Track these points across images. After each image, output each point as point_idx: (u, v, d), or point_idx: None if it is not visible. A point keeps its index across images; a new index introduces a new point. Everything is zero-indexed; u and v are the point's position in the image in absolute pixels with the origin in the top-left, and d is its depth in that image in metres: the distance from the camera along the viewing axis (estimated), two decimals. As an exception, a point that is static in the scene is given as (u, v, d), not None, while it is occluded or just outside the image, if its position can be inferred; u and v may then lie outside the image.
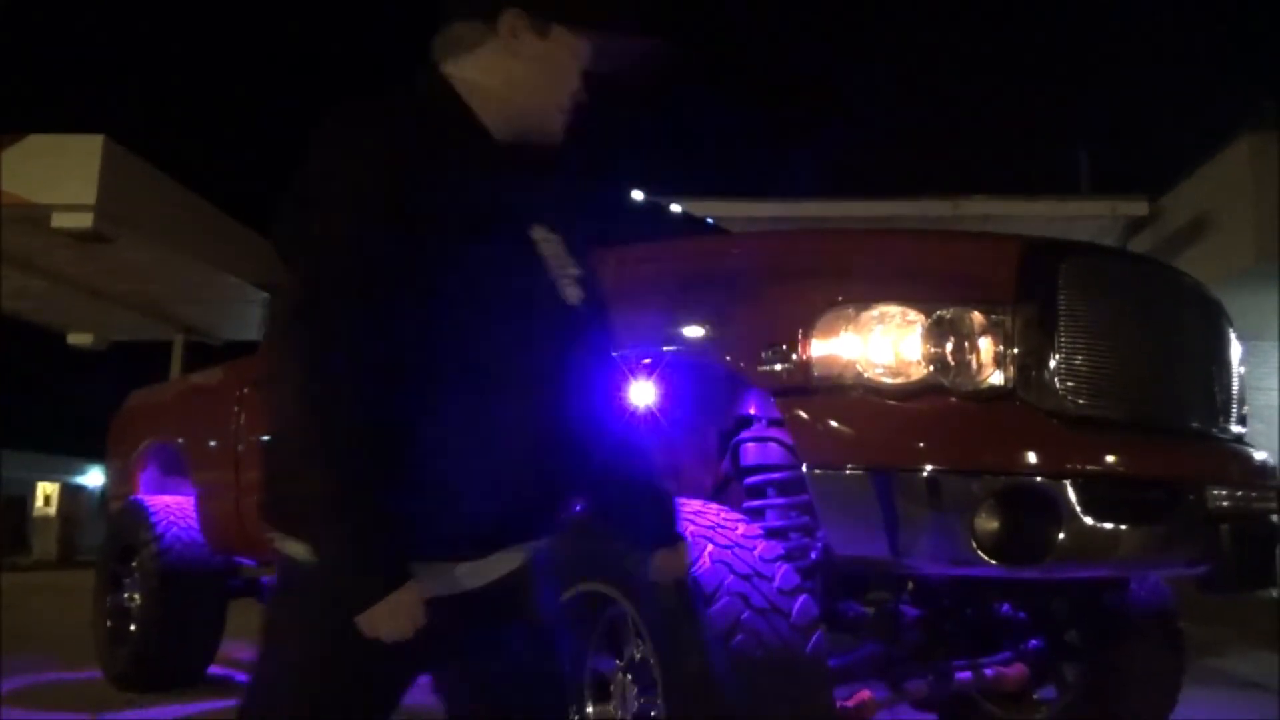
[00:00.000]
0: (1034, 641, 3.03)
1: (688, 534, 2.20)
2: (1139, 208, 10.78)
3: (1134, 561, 2.19)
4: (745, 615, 2.09)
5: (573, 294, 1.45)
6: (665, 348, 2.53)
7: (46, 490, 17.06)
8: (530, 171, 1.50)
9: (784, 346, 2.23)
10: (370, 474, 1.27)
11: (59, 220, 11.16)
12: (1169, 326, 2.47)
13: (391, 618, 1.28)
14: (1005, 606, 3.00)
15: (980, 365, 2.15)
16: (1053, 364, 2.17)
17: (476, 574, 1.42)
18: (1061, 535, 2.02)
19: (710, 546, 2.18)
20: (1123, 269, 2.57)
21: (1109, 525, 2.08)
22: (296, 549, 1.39)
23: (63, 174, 11.01)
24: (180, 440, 4.88)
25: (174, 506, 4.79)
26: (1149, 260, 3.04)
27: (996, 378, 2.15)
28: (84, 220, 11.08)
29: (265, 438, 1.54)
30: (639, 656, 2.30)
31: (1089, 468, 2.11)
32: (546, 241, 1.43)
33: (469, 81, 1.47)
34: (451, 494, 1.35)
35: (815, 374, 2.18)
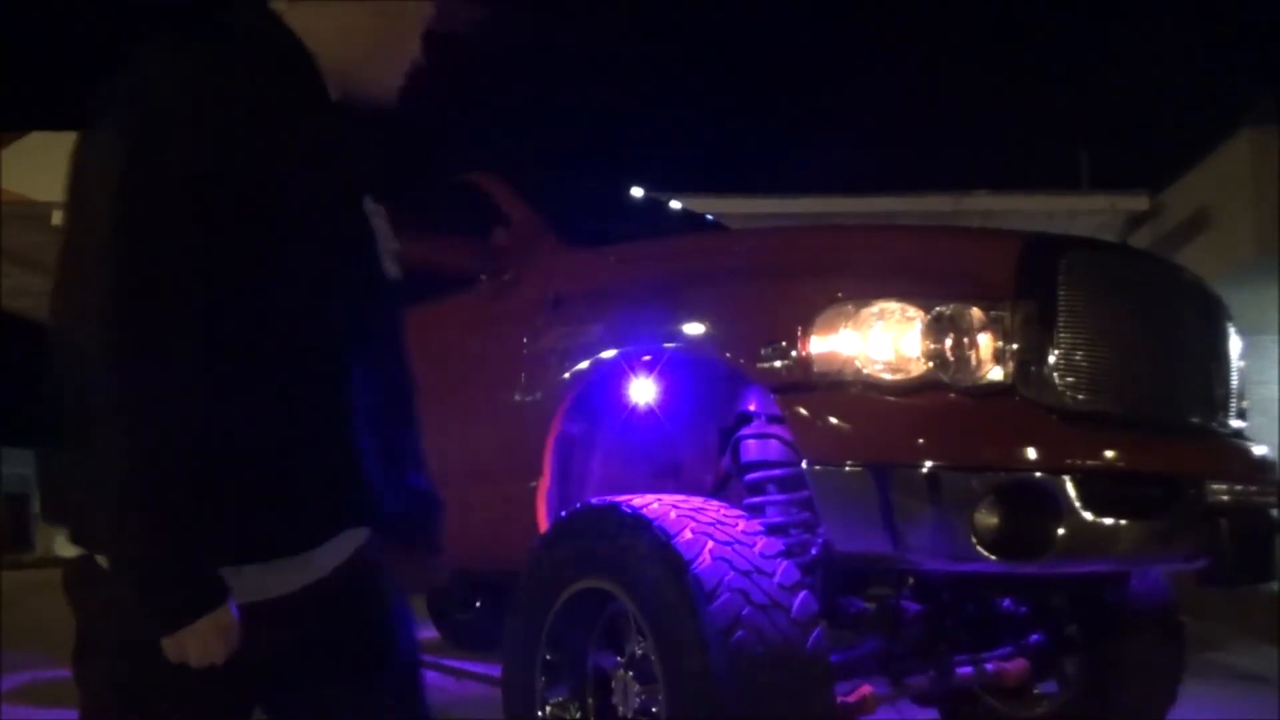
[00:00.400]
0: (1035, 636, 3.04)
1: (689, 530, 2.21)
2: (1139, 203, 10.78)
3: (1134, 556, 2.20)
4: (746, 611, 2.09)
5: (393, 270, 1.38)
6: (665, 345, 2.53)
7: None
8: (361, 137, 1.40)
9: (784, 343, 2.23)
10: (177, 480, 1.13)
11: (60, 217, 11.12)
12: (1168, 321, 2.47)
13: (200, 639, 1.13)
14: (1006, 601, 3.01)
15: (980, 361, 2.15)
16: (1052, 359, 2.18)
17: (297, 569, 1.27)
18: (1061, 530, 2.03)
19: (710, 543, 2.18)
20: (1122, 264, 2.57)
21: (1108, 520, 2.08)
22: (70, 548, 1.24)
23: (63, 171, 10.99)
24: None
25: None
26: (1148, 255, 3.05)
27: (996, 373, 2.15)
28: (84, 218, 11.04)
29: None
30: (640, 653, 2.30)
31: (1088, 463, 2.12)
32: (375, 214, 1.36)
33: (305, 28, 1.31)
34: (271, 486, 1.23)
35: (815, 370, 2.19)
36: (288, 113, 1.27)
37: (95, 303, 1.15)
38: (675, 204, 4.51)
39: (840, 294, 2.20)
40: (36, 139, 11.42)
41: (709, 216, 4.42)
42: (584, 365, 2.71)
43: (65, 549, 1.26)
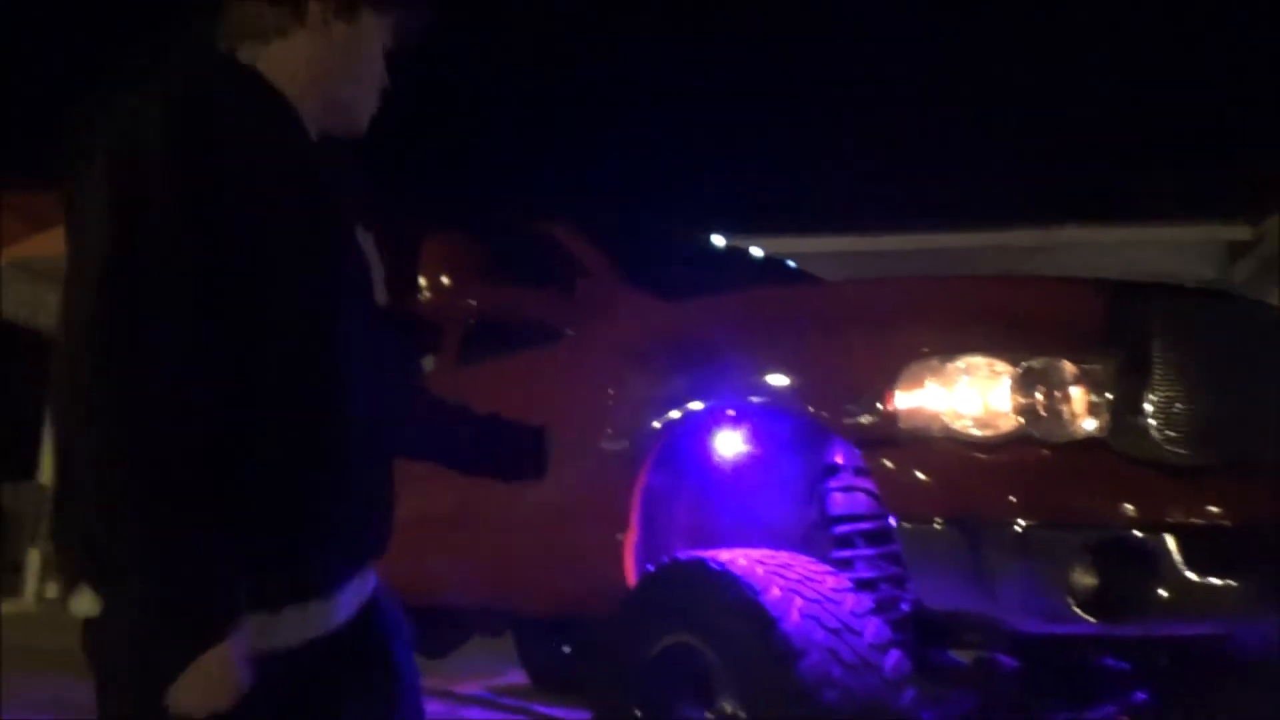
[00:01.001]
0: (1139, 694, 2.93)
1: (776, 587, 2.20)
2: (1240, 232, 10.41)
3: (1240, 615, 2.11)
4: (835, 671, 2.07)
5: (381, 295, 1.44)
6: (750, 398, 2.54)
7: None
8: (340, 168, 1.41)
9: (868, 398, 2.22)
10: (179, 521, 1.08)
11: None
12: (1268, 366, 2.39)
13: (202, 687, 1.07)
14: (1107, 657, 2.91)
15: (1072, 414, 2.11)
16: (1148, 411, 2.12)
17: (330, 612, 1.26)
18: (1162, 590, 1.96)
19: (798, 600, 2.18)
20: (1216, 310, 2.50)
21: (1213, 579, 2.01)
22: (88, 604, 1.19)
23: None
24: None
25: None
26: (1244, 299, 2.95)
27: (1089, 426, 2.10)
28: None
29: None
30: (729, 710, 2.29)
31: (1190, 518, 2.05)
32: (364, 239, 1.39)
33: (277, 72, 1.33)
34: (291, 524, 1.21)
35: (901, 425, 2.17)
36: (273, 150, 1.27)
37: (85, 324, 1.12)
38: (755, 250, 4.52)
39: (925, 349, 2.18)
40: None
41: (790, 263, 4.41)
42: (669, 418, 2.73)
43: (82, 605, 1.21)
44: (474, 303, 3.05)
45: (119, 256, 1.11)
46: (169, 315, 1.11)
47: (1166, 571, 1.98)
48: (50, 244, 11.92)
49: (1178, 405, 2.16)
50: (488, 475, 1.72)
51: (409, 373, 1.56)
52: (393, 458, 1.40)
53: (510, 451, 1.67)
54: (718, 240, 4.18)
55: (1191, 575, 1.99)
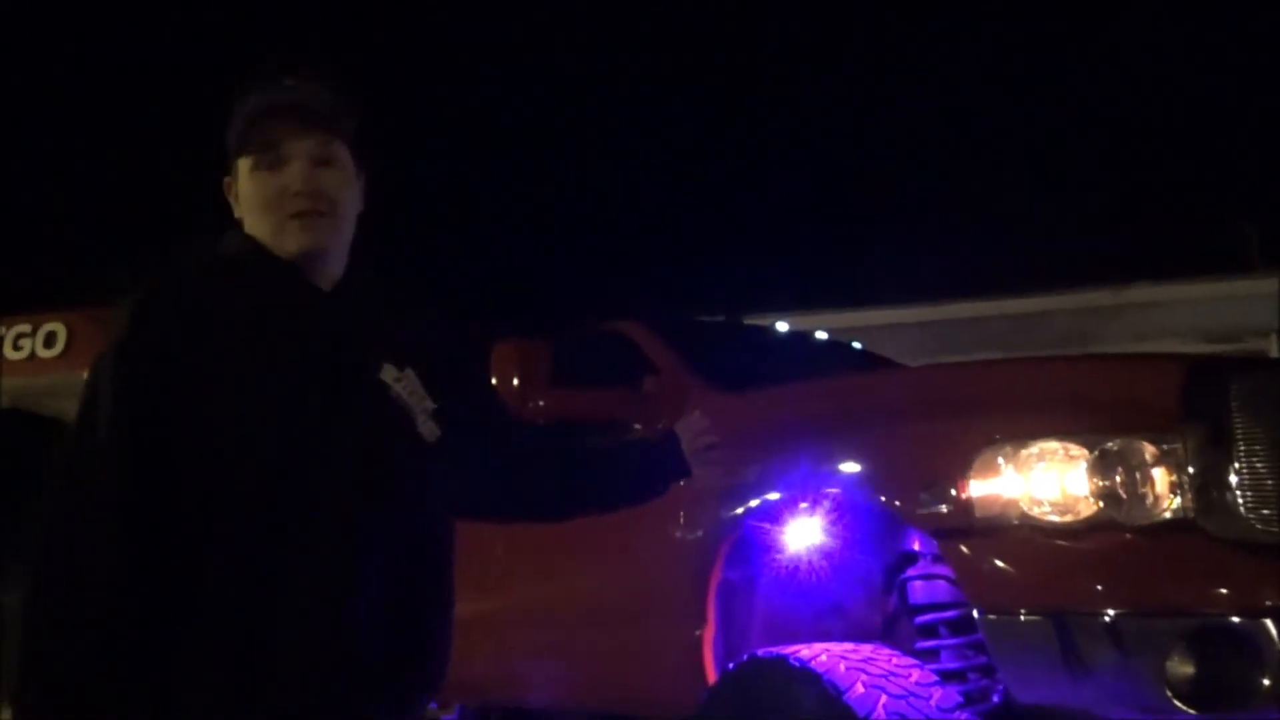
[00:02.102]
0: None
1: (860, 684, 2.16)
2: (1317, 281, 10.08)
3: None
4: (927, 771, 2.02)
5: (429, 431, 1.39)
6: (823, 488, 2.53)
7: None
8: (367, 312, 1.46)
9: (942, 486, 2.20)
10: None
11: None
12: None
13: None
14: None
15: (1155, 496, 2.06)
16: (1234, 489, 2.07)
17: None
18: (1266, 680, 1.89)
19: (884, 697, 2.13)
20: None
21: (1320, 663, 1.93)
22: None
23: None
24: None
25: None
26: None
27: (1173, 508, 2.05)
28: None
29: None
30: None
31: (1290, 601, 1.97)
32: (399, 381, 1.39)
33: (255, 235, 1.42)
34: (302, 675, 1.25)
35: (976, 514, 2.14)
36: (262, 321, 1.34)
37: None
38: (821, 334, 4.53)
39: (997, 435, 2.16)
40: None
41: (856, 344, 4.41)
42: (741, 511, 2.72)
43: None
44: (543, 403, 3.10)
45: (75, 436, 1.26)
46: (105, 495, 1.21)
47: (1268, 658, 1.90)
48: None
49: (1268, 482, 2.10)
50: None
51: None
52: (422, 604, 1.41)
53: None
54: (781, 326, 4.20)
55: (1296, 660, 1.91)
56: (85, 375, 1.33)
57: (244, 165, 1.41)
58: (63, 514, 1.24)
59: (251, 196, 1.41)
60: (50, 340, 11.48)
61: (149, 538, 1.21)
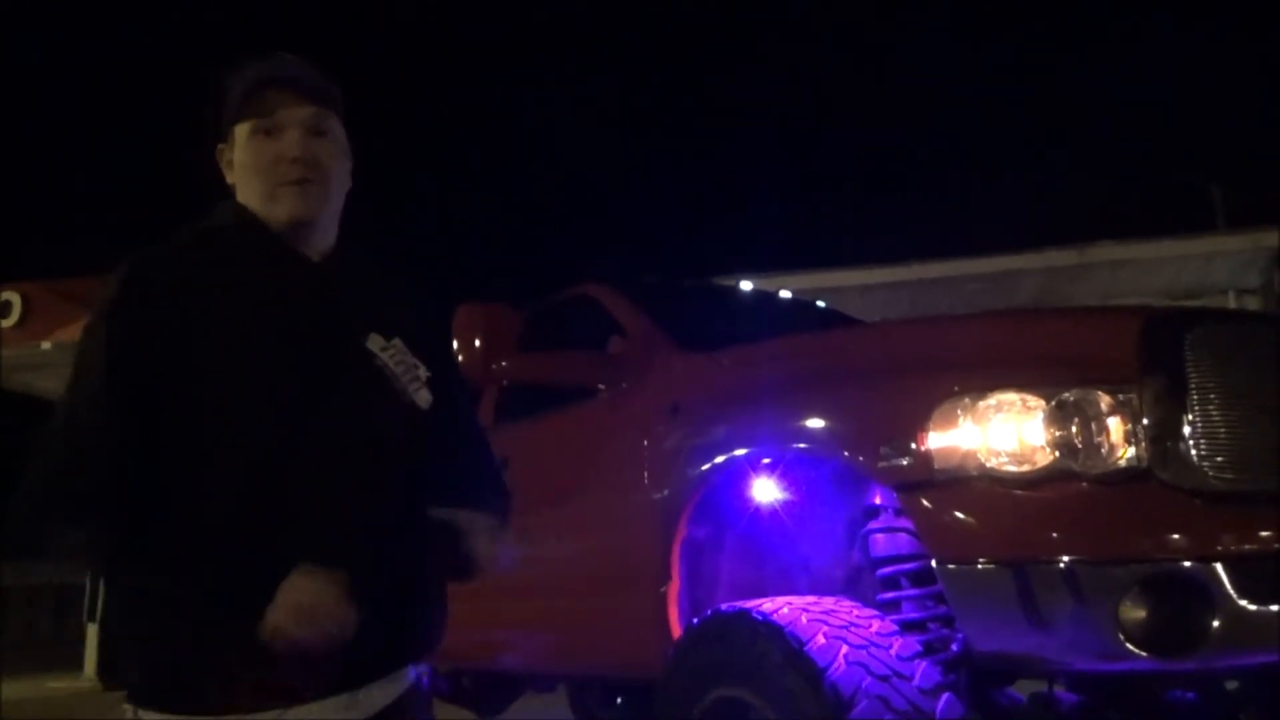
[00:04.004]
0: (1207, 724, 2.85)
1: (822, 635, 2.18)
2: (1281, 239, 10.21)
3: (1302, 644, 2.05)
4: (887, 719, 2.05)
5: (423, 397, 1.42)
6: (786, 445, 2.54)
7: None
8: (356, 282, 1.50)
9: (902, 440, 2.21)
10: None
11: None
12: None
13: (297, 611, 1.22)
14: (1171, 687, 2.84)
15: (1110, 446, 2.08)
16: (1189, 439, 2.09)
17: (354, 706, 1.34)
18: (1217, 623, 1.92)
19: (845, 648, 2.15)
20: (1255, 332, 2.46)
21: (1270, 608, 1.96)
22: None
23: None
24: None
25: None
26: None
27: (1129, 458, 2.07)
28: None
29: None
30: (782, 762, 2.26)
31: (1241, 547, 2.01)
32: (386, 350, 1.42)
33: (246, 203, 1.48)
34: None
35: (936, 466, 2.15)
36: (246, 288, 1.39)
37: None
38: (785, 292, 4.53)
39: (956, 387, 2.17)
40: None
41: (820, 303, 4.42)
42: (706, 469, 2.73)
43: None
44: (507, 366, 3.09)
45: (65, 395, 1.35)
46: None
47: (1220, 602, 1.93)
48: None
49: (1220, 431, 2.13)
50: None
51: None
52: (413, 567, 1.43)
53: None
54: (747, 286, 4.20)
55: (1246, 604, 1.94)
56: (44, 345, 1.42)
57: (241, 132, 1.46)
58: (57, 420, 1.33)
59: (247, 162, 1.46)
60: (4, 310, 11.30)
61: (131, 475, 1.28)
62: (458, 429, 1.53)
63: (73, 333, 12.22)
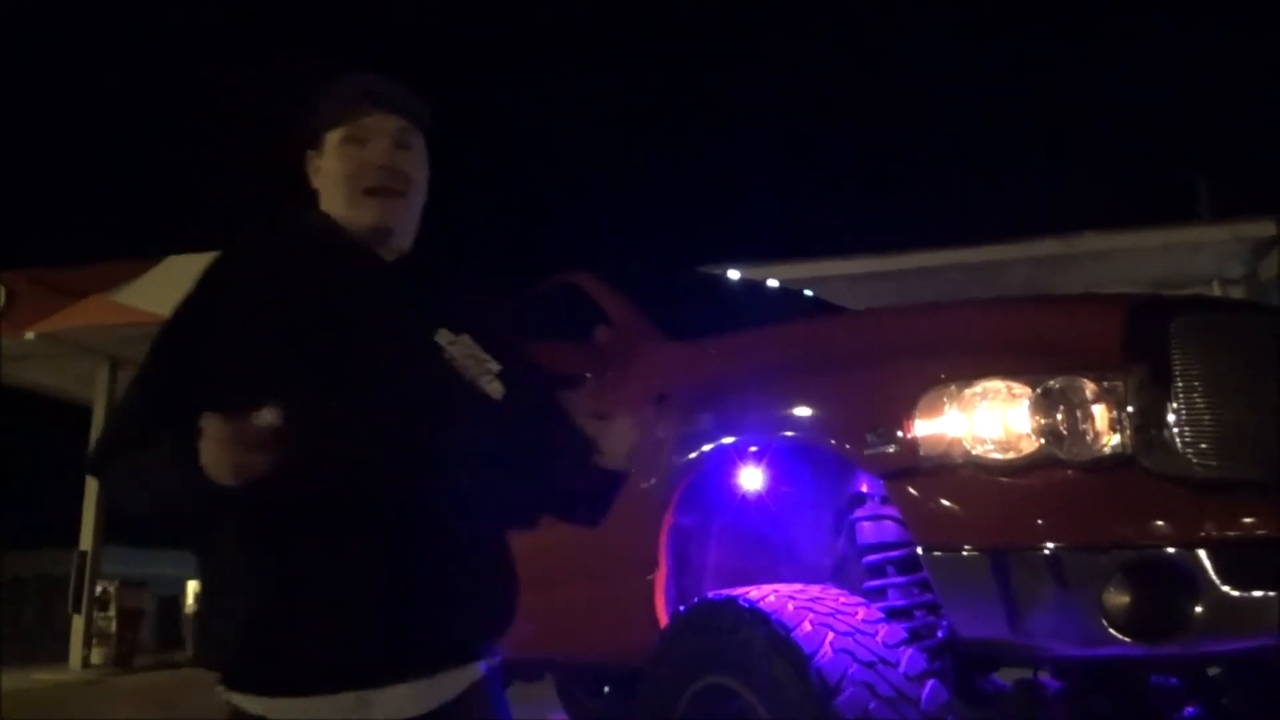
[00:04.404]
0: (1190, 709, 2.87)
1: (808, 622, 2.19)
2: (1265, 228, 10.28)
3: (1283, 629, 2.07)
4: (872, 706, 2.05)
5: (494, 389, 1.48)
6: (772, 434, 2.54)
7: (197, 589, 17.78)
8: (427, 282, 1.58)
9: (888, 428, 2.21)
10: None
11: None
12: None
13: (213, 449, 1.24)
14: (1154, 673, 2.86)
15: (1095, 433, 2.09)
16: (1172, 426, 2.10)
17: (426, 694, 1.40)
18: (1199, 608, 1.93)
19: (831, 634, 2.16)
20: (1238, 320, 2.47)
21: (1252, 594, 1.98)
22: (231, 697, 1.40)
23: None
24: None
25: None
26: (1266, 307, 2.92)
27: (1114, 445, 2.08)
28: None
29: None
30: (769, 749, 2.27)
31: (1223, 533, 2.02)
32: (454, 344, 1.48)
33: (329, 210, 1.57)
34: (384, 618, 1.36)
35: (922, 454, 2.16)
36: (326, 284, 1.47)
37: None
38: (773, 281, 4.53)
39: (942, 375, 2.17)
40: (173, 261, 12.20)
41: (807, 292, 4.42)
42: (692, 457, 2.73)
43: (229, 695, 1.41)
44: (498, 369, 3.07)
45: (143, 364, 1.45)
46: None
47: (1202, 588, 1.95)
48: (76, 316, 12.16)
49: (1204, 419, 2.14)
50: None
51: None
52: (485, 558, 1.51)
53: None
54: (734, 275, 4.19)
55: (1229, 590, 1.96)
56: (28, 335, 1.46)
57: (332, 139, 1.56)
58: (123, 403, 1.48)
59: (335, 169, 1.55)
60: (-11, 300, 11.23)
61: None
62: (532, 420, 1.57)
63: (57, 323, 12.15)
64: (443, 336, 1.48)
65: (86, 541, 13.16)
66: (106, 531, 13.59)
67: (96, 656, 13.39)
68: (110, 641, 13.93)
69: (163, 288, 12.07)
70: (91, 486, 13.36)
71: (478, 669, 1.48)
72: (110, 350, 12.96)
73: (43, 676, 11.27)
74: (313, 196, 1.59)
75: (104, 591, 14.06)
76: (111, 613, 14.15)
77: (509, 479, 1.53)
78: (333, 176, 1.55)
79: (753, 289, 4.30)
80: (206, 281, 1.47)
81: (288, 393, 1.30)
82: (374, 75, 1.60)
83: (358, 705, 1.36)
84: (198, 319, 1.44)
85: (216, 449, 1.23)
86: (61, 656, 12.86)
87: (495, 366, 1.50)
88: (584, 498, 1.69)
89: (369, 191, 1.53)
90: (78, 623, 12.93)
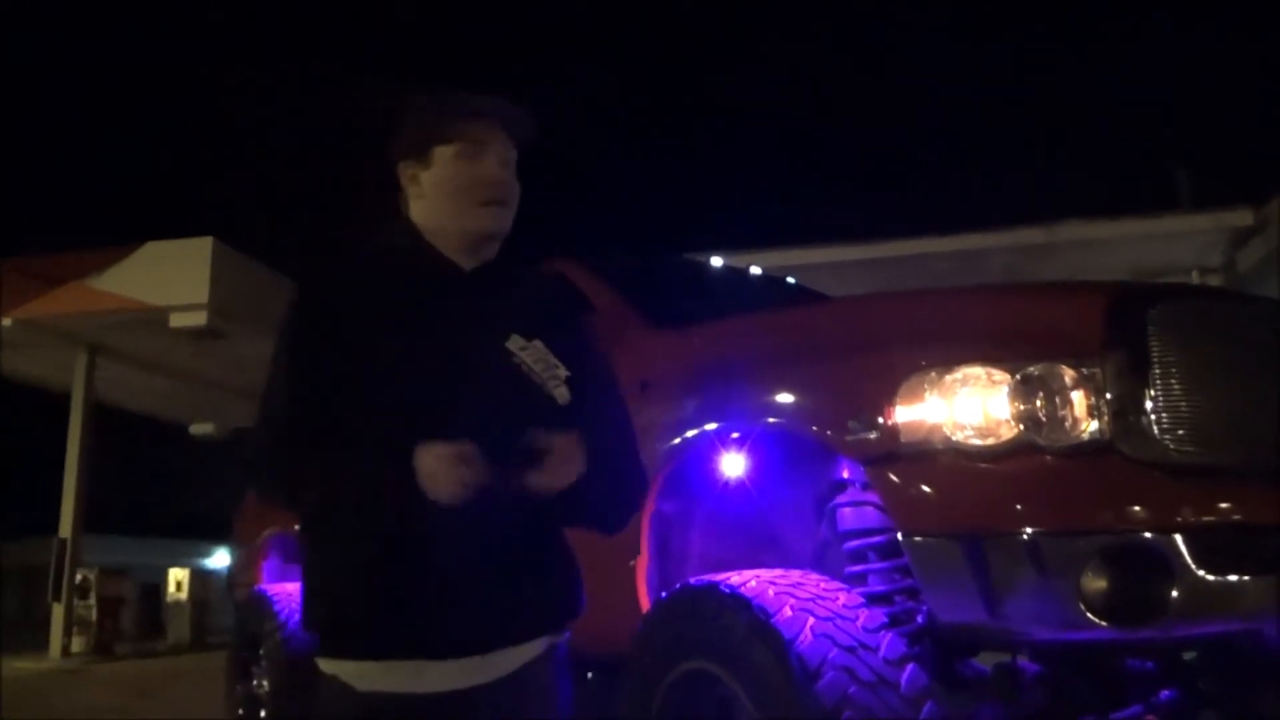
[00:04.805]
0: (1165, 693, 2.90)
1: (788, 608, 2.20)
2: (1243, 218, 10.37)
3: (1258, 614, 2.09)
4: (852, 690, 2.07)
5: (561, 394, 1.56)
6: (754, 421, 2.55)
7: (178, 576, 17.75)
8: (503, 290, 1.67)
9: (869, 414, 2.22)
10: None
11: (176, 320, 11.79)
12: (1273, 363, 2.37)
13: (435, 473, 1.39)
14: (1130, 658, 2.89)
15: (1074, 419, 2.10)
16: (1150, 413, 2.12)
17: (485, 668, 1.52)
18: (1176, 593, 1.95)
19: (811, 620, 2.17)
20: (1216, 308, 2.49)
21: (1227, 578, 2.00)
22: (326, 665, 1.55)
23: (177, 276, 11.66)
24: (299, 529, 5.05)
25: (295, 595, 4.94)
26: (1245, 296, 2.94)
27: (1091, 431, 2.10)
28: (198, 318, 11.69)
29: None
30: (750, 733, 2.28)
31: (1200, 518, 2.04)
32: (524, 349, 1.56)
33: (419, 224, 1.68)
34: (449, 593, 1.48)
35: (903, 440, 2.17)
36: (409, 294, 1.59)
37: None
38: (756, 269, 4.53)
39: (923, 362, 2.18)
40: (152, 247, 12.10)
41: (789, 279, 4.42)
42: (675, 444, 2.74)
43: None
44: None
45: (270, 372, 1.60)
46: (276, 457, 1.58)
47: (1179, 573, 1.96)
48: (54, 303, 12.05)
49: (1182, 406, 2.15)
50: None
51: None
52: (544, 547, 1.64)
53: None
54: (718, 263, 4.20)
55: (1205, 575, 1.97)
56: (5, 323, 1.51)
57: (443, 153, 1.64)
58: (260, 409, 1.59)
59: (446, 181, 1.63)
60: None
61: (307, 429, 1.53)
62: (594, 427, 1.60)
63: (36, 310, 12.03)
64: (514, 342, 1.57)
65: (66, 529, 13.08)
66: (86, 520, 13.51)
67: (77, 645, 13.34)
68: (91, 630, 13.88)
69: (142, 274, 11.98)
70: (71, 473, 13.27)
71: (536, 646, 1.59)
72: (89, 337, 12.87)
73: (23, 665, 11.22)
74: (404, 204, 1.70)
75: (84, 580, 14.00)
76: (92, 601, 14.09)
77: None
78: (442, 187, 1.64)
79: (736, 277, 4.31)
80: (301, 303, 1.60)
81: (380, 398, 1.48)
82: (489, 96, 1.68)
83: (414, 674, 1.49)
84: (306, 339, 1.57)
85: (443, 471, 1.38)
86: (42, 645, 12.79)
87: (564, 372, 1.58)
88: (615, 505, 1.75)
89: (483, 204, 1.63)
90: (58, 611, 12.86)
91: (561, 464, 1.50)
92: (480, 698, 1.53)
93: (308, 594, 1.58)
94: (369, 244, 1.71)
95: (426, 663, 1.50)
